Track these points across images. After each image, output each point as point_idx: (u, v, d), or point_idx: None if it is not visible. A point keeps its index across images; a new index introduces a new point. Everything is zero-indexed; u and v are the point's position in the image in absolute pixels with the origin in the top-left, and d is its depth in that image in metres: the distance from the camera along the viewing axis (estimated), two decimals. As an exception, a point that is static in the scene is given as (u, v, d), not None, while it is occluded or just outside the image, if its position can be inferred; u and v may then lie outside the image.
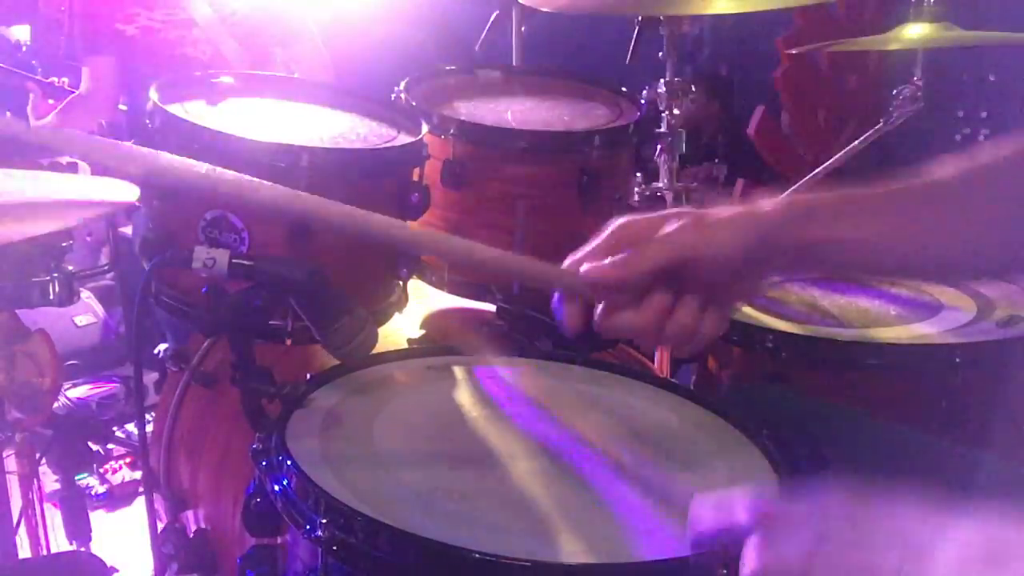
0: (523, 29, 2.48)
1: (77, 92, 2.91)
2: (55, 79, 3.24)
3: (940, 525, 0.74)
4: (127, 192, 1.48)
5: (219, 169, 1.10)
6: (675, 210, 1.03)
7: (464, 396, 1.27)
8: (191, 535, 1.71)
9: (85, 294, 3.58)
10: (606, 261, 1.00)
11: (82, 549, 2.00)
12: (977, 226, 1.03)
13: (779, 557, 0.78)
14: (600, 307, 1.03)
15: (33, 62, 4.37)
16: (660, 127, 2.01)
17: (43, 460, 1.99)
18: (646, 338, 1.03)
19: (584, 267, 1.01)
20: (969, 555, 0.71)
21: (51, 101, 3.09)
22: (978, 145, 1.05)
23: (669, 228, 0.99)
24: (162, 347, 1.86)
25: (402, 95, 1.81)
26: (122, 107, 3.01)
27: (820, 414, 1.38)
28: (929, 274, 1.20)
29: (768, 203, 1.01)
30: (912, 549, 0.73)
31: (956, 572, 0.71)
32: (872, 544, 0.75)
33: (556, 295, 1.05)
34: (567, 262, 1.05)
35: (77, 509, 2.03)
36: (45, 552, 1.94)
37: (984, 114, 3.79)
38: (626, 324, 1.01)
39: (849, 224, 1.01)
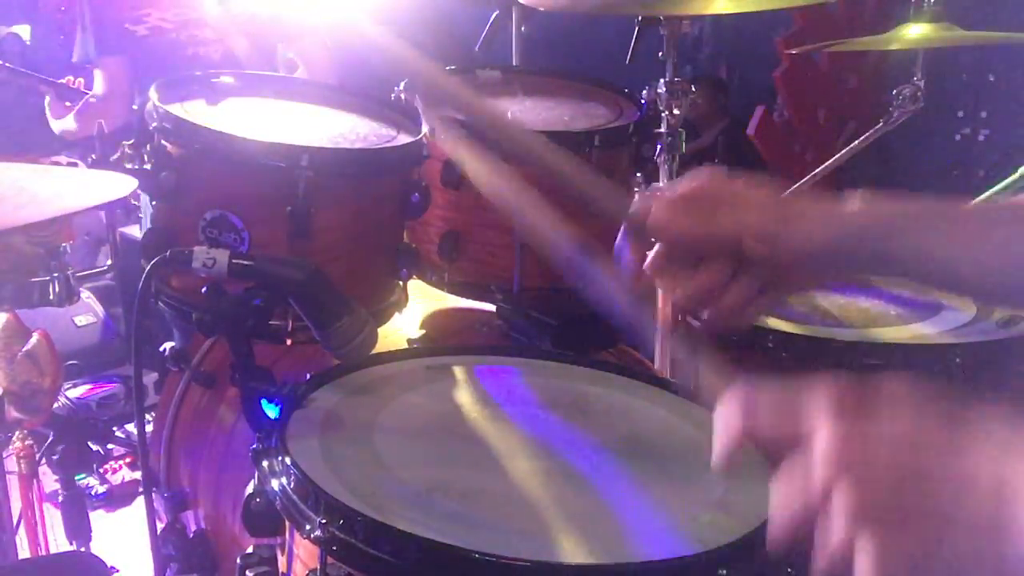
0: (523, 29, 2.48)
1: (91, 94, 2.90)
2: (70, 78, 3.24)
3: None
4: (125, 188, 1.48)
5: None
6: (765, 184, 0.99)
7: (464, 396, 1.27)
8: (191, 535, 1.71)
9: (85, 294, 3.58)
10: (683, 215, 0.97)
11: (82, 549, 2.00)
12: None
13: (865, 471, 0.66)
14: (657, 251, 0.99)
15: (37, 67, 4.36)
16: (660, 127, 2.01)
17: (43, 460, 1.99)
18: (690, 302, 1.00)
19: (659, 211, 0.98)
20: None
21: (68, 104, 3.08)
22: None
23: (752, 211, 0.96)
24: (168, 345, 1.85)
25: (402, 95, 1.81)
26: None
27: None
28: (1007, 298, 1.15)
29: (855, 207, 0.98)
30: (1013, 470, 0.64)
31: None
32: (973, 463, 0.65)
33: (623, 229, 1.03)
34: (640, 199, 1.01)
35: (77, 509, 2.03)
36: (45, 552, 1.94)
37: (984, 114, 3.80)
38: (676, 282, 0.98)
39: (934, 240, 0.96)
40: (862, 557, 0.65)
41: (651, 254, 0.99)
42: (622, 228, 1.03)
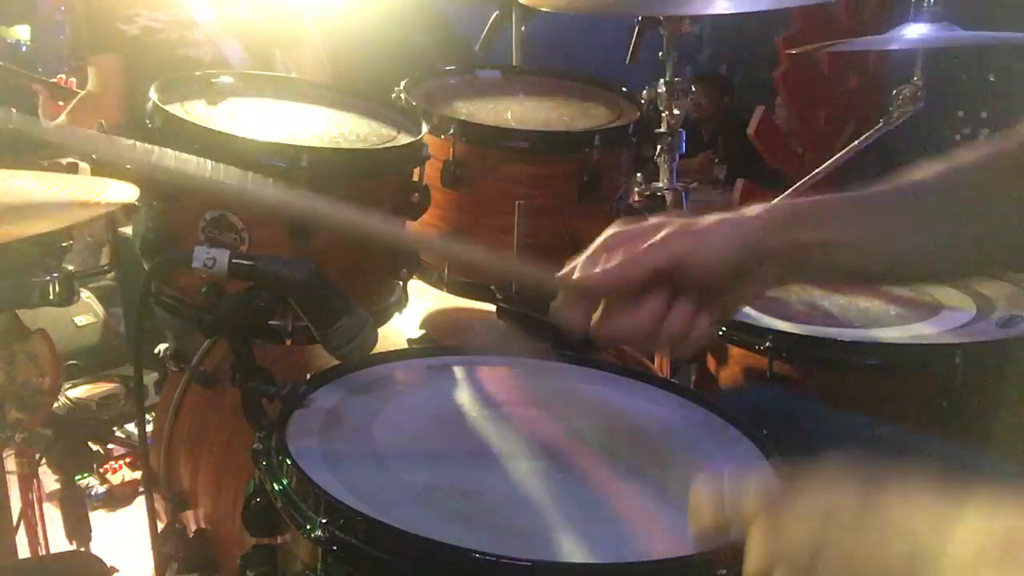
0: (523, 29, 2.48)
1: (84, 91, 2.90)
2: (62, 76, 3.24)
3: (953, 516, 0.71)
4: (127, 192, 1.48)
5: (222, 168, 1.10)
6: (663, 218, 1.05)
7: (464, 396, 1.27)
8: (191, 535, 1.71)
9: (85, 294, 3.58)
10: (600, 267, 1.02)
11: (82, 549, 2.00)
12: (957, 225, 1.05)
13: (784, 546, 0.77)
14: (597, 312, 1.04)
15: (37, 67, 4.37)
16: (660, 127, 2.01)
17: (43, 460, 1.99)
18: (642, 342, 1.04)
19: (578, 274, 1.03)
20: (983, 548, 0.68)
21: (61, 103, 3.09)
22: (957, 147, 1.07)
23: (660, 234, 1.02)
24: (162, 347, 1.85)
25: (402, 95, 1.81)
26: None
27: (815, 413, 1.38)
28: (919, 276, 1.21)
29: (755, 208, 1.04)
30: (924, 541, 0.71)
31: (970, 566, 0.68)
32: (882, 535, 0.73)
33: (555, 301, 1.07)
34: (564, 269, 1.06)
35: (77, 509, 2.03)
36: (45, 552, 1.94)
37: (984, 114, 3.80)
38: (622, 328, 1.03)
39: (835, 226, 1.03)
40: None
41: (594, 319, 1.04)
42: (557, 299, 1.07)
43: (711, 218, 1.03)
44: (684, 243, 1.01)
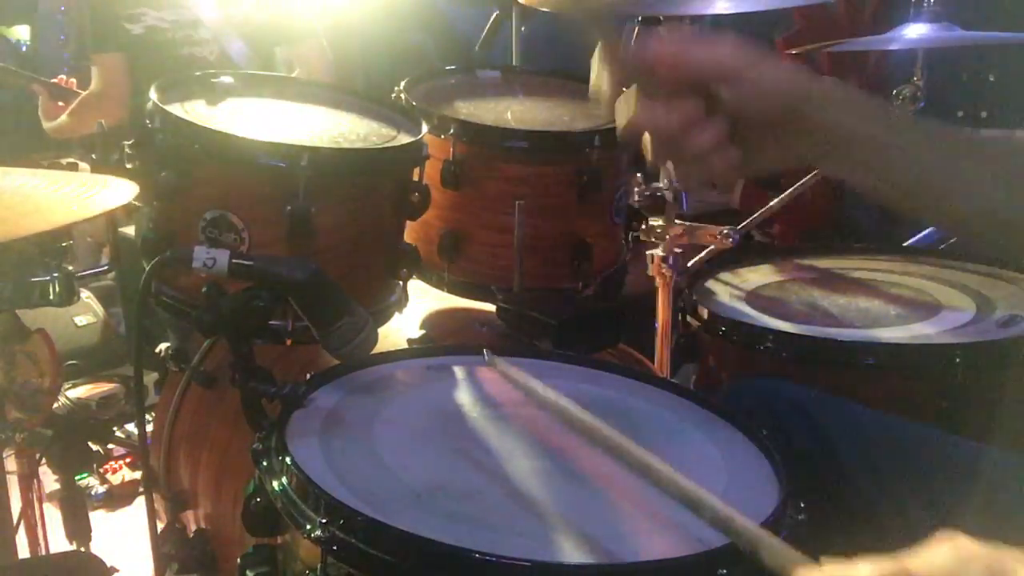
0: (523, 29, 2.48)
1: (88, 91, 2.90)
2: (62, 76, 3.24)
3: None
4: (126, 192, 1.48)
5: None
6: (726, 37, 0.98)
7: (464, 396, 1.27)
8: (191, 535, 1.71)
9: (85, 294, 3.58)
10: (658, 45, 0.95)
11: (82, 549, 2.00)
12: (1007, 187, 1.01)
13: None
14: (633, 87, 0.98)
15: (37, 66, 4.37)
16: (660, 127, 2.00)
17: (43, 460, 1.99)
18: (666, 141, 0.97)
19: (637, 41, 0.97)
20: None
21: (60, 103, 3.08)
22: None
23: (727, 47, 0.95)
24: (163, 346, 1.86)
25: (402, 95, 1.81)
26: None
27: (821, 406, 1.37)
28: (944, 217, 1.16)
29: (828, 78, 0.99)
30: None
31: None
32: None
33: (597, 52, 1.01)
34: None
35: (77, 509, 2.03)
36: (45, 552, 1.94)
37: (984, 114, 3.79)
38: (653, 117, 0.96)
39: (890, 128, 0.99)
40: None
41: (627, 90, 0.99)
42: (596, 52, 1.02)
43: (782, 57, 0.98)
44: (742, 59, 0.94)
